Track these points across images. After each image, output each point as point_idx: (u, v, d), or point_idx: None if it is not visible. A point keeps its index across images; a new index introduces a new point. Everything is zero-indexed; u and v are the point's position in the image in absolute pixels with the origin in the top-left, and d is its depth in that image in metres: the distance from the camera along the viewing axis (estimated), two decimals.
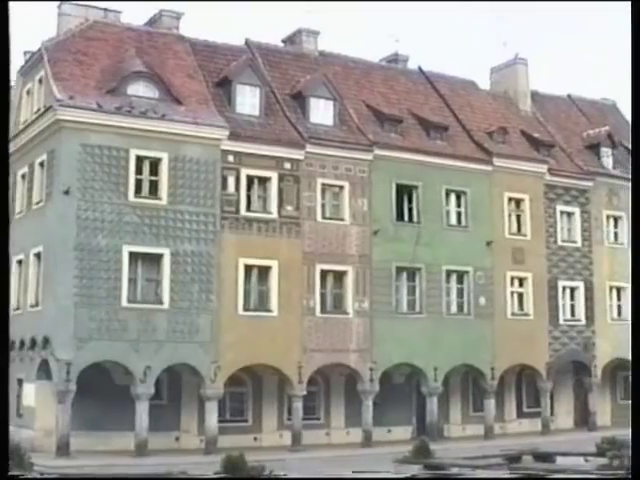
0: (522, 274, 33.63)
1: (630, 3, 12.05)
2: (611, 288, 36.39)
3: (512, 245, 33.46)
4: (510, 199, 33.87)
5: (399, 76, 36.13)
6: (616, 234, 37.09)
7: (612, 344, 35.65)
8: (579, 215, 35.85)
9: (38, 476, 17.18)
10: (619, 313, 36.56)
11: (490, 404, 32.58)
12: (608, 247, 36.54)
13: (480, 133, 34.67)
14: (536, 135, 36.46)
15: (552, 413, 35.24)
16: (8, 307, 9.99)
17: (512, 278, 33.48)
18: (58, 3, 29.21)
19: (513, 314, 33.36)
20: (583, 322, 35.30)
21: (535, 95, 39.55)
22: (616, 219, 37.13)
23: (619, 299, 36.59)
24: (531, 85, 39.47)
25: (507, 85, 38.69)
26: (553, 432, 33.55)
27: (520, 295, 33.74)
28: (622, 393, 38.44)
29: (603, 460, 18.04)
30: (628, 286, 36.25)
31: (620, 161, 38.33)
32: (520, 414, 35.50)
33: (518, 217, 34.11)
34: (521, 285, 33.75)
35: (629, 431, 28.60)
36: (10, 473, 11.78)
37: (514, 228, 33.93)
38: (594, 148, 38.00)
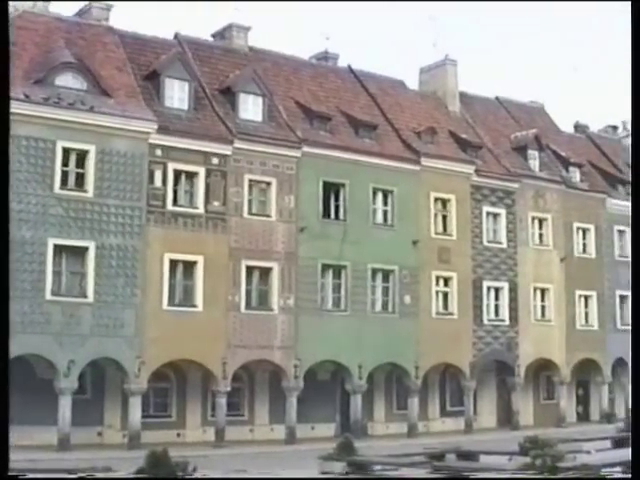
0: (447, 274, 35.68)
1: (630, 3, 12.46)
2: (535, 289, 38.76)
3: (438, 245, 35.49)
4: (437, 199, 35.91)
5: (329, 74, 38.06)
6: (541, 236, 39.48)
7: (535, 344, 38.17)
8: (505, 216, 38.07)
9: (38, 476, 17.86)
10: (543, 314, 39.00)
11: (414, 402, 34.50)
12: (533, 248, 38.90)
13: (408, 133, 36.66)
14: (464, 136, 38.66)
15: (475, 412, 37.47)
16: (8, 307, 10.54)
17: (437, 277, 35.46)
18: None
19: (438, 313, 35.34)
20: (507, 322, 37.49)
21: (464, 96, 41.87)
22: (541, 221, 39.53)
23: (543, 300, 39.05)
24: (460, 86, 41.75)
25: (436, 85, 40.91)
26: (476, 431, 35.59)
27: (445, 294, 35.77)
28: (545, 393, 41.13)
29: (526, 459, 18.21)
30: (552, 287, 38.90)
31: (546, 164, 40.86)
32: (444, 413, 37.69)
33: (444, 217, 36.14)
34: (446, 285, 35.78)
35: (551, 430, 30.64)
36: (10, 473, 12.22)
37: (440, 228, 35.96)
38: (521, 150, 40.37)
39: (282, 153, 31.82)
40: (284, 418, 31.40)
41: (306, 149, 32.32)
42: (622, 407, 42.01)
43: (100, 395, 29.45)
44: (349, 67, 39.31)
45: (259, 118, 32.11)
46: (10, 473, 11.87)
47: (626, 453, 21.57)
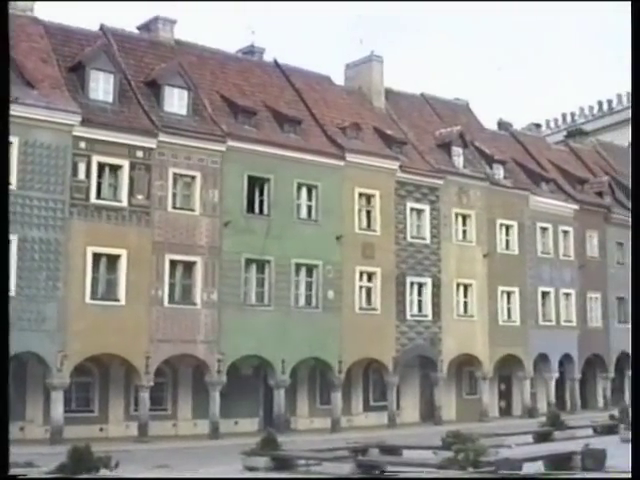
0: (371, 269, 37.55)
1: (630, 3, 13.05)
2: (458, 285, 40.99)
3: (362, 240, 37.34)
4: (361, 194, 37.76)
5: (254, 68, 39.69)
6: (464, 232, 41.72)
7: (458, 340, 40.38)
8: (429, 212, 40.17)
9: (38, 476, 17.98)
10: (465, 310, 41.26)
11: (337, 397, 36.24)
12: (456, 245, 41.10)
13: (333, 128, 38.46)
14: (389, 132, 40.66)
15: (398, 407, 39.54)
16: (7, 307, 11.12)
17: (361, 273, 37.28)
18: None
19: (361, 308, 37.15)
20: (430, 318, 39.59)
21: (389, 92, 44.02)
22: (465, 217, 41.77)
23: (466, 296, 41.31)
24: (385, 82, 43.85)
25: (362, 81, 42.92)
26: (399, 425, 37.52)
27: (368, 290, 37.59)
28: (467, 388, 43.46)
29: (448, 454, 19.27)
30: (475, 283, 41.20)
31: (470, 160, 43.16)
32: (367, 407, 39.60)
33: (368, 212, 38.00)
34: (370, 280, 37.62)
35: (474, 425, 32.77)
36: (10, 473, 12.73)
37: (364, 223, 37.80)
38: (445, 147, 42.60)
39: (207, 147, 33.21)
40: (207, 413, 32.80)
41: (231, 143, 33.79)
42: (544, 402, 44.70)
43: (22, 390, 30.26)
44: (275, 62, 41.01)
45: (184, 112, 33.49)
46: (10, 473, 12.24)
47: (547, 447, 23.78)
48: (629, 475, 12.83)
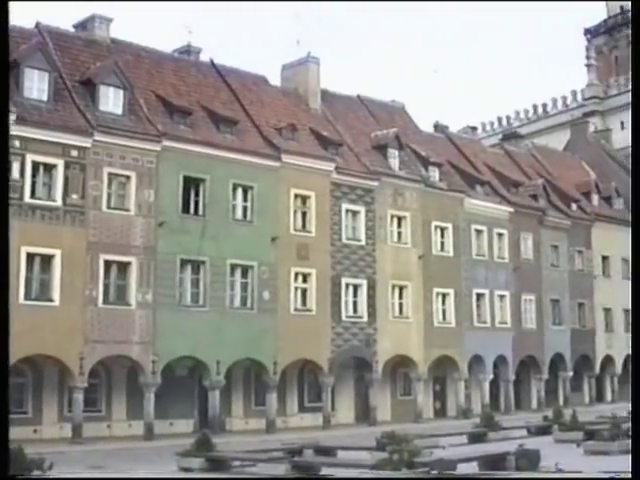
0: (306, 270, 38.77)
1: (630, 3, 14.58)
2: (393, 286, 42.42)
3: (297, 241, 38.55)
4: (297, 195, 38.97)
5: (190, 68, 40.70)
6: (400, 234, 43.19)
7: (393, 341, 41.80)
8: (364, 214, 41.52)
9: (39, 476, 18.24)
10: (401, 311, 42.70)
11: (272, 398, 37.31)
12: (391, 246, 42.54)
13: (269, 129, 39.60)
14: (325, 133, 41.97)
15: (333, 408, 40.74)
16: (7, 306, 11.41)
17: (296, 274, 38.44)
18: None
19: (296, 309, 38.29)
20: (365, 319, 40.92)
21: (325, 94, 45.38)
22: (400, 219, 43.23)
23: (401, 297, 42.77)
24: (322, 84, 45.25)
25: (298, 82, 44.18)
26: (334, 426, 38.76)
27: (304, 291, 38.76)
28: (402, 389, 44.97)
29: (383, 454, 19.63)
30: (410, 284, 42.69)
31: (406, 162, 44.69)
32: (302, 408, 40.81)
33: (304, 214, 39.20)
34: (305, 281, 38.81)
35: (409, 426, 33.96)
36: (10, 473, 13.08)
37: (299, 224, 38.99)
38: (381, 149, 44.06)
39: (142, 147, 34.03)
40: (142, 414, 33.54)
41: (166, 143, 34.66)
42: (478, 403, 46.40)
43: None
44: (211, 61, 42.04)
45: (119, 111, 34.28)
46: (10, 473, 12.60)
47: (482, 448, 25.04)
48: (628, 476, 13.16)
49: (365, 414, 41.78)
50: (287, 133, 39.80)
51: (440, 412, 46.71)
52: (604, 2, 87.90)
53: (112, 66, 35.01)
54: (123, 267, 33.41)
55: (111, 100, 34.22)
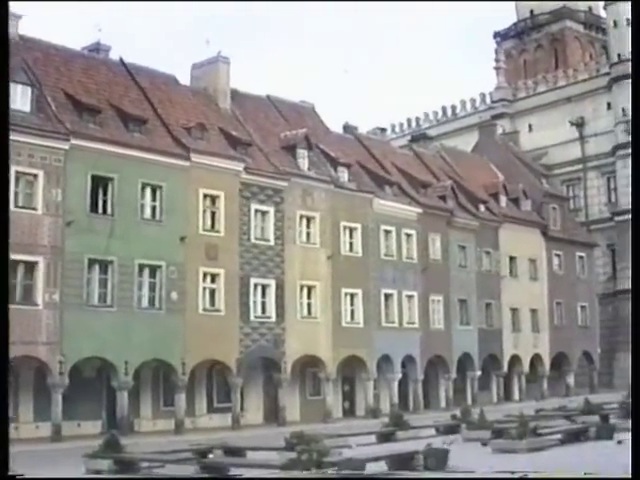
0: (215, 270, 39.70)
1: (630, 3, 14.96)
2: (302, 287, 43.66)
3: (206, 241, 39.44)
4: (206, 195, 39.84)
5: (100, 66, 41.34)
6: (309, 234, 44.45)
7: (301, 341, 43.02)
8: (273, 214, 42.63)
9: (38, 476, 18.86)
10: (309, 311, 43.96)
11: (181, 399, 38.15)
12: (300, 246, 43.78)
13: (179, 128, 40.43)
14: (234, 133, 42.99)
15: (242, 408, 41.61)
16: (7, 306, 11.63)
17: (205, 274, 39.31)
18: None
19: (205, 309, 39.16)
20: (273, 319, 42.02)
21: (235, 94, 46.50)
22: (309, 219, 44.51)
23: (309, 297, 44.01)
24: (232, 83, 46.33)
25: (208, 82, 45.27)
26: (243, 427, 39.70)
27: (212, 291, 39.66)
28: (311, 389, 46.25)
29: (292, 454, 19.97)
30: (318, 285, 44.04)
31: (315, 163, 46.06)
32: (211, 409, 41.78)
33: (213, 214, 40.09)
34: (213, 281, 39.72)
35: (318, 426, 34.89)
36: (10, 473, 13.39)
37: (208, 224, 39.85)
38: (291, 149, 45.29)
39: (50, 145, 34.55)
40: (49, 415, 34.02)
41: (74, 142, 35.23)
42: (387, 402, 47.96)
43: None
44: (121, 60, 42.69)
45: (27, 108, 34.62)
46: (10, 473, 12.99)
47: (390, 447, 26.18)
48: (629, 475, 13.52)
49: (274, 414, 42.83)
50: (196, 133, 40.67)
51: (349, 412, 48.08)
52: (514, 6, 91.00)
53: (20, 63, 35.31)
54: (30, 267, 33.76)
55: (19, 97, 34.35)
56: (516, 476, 18.65)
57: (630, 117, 70.18)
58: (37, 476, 19.42)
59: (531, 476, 18.85)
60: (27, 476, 17.94)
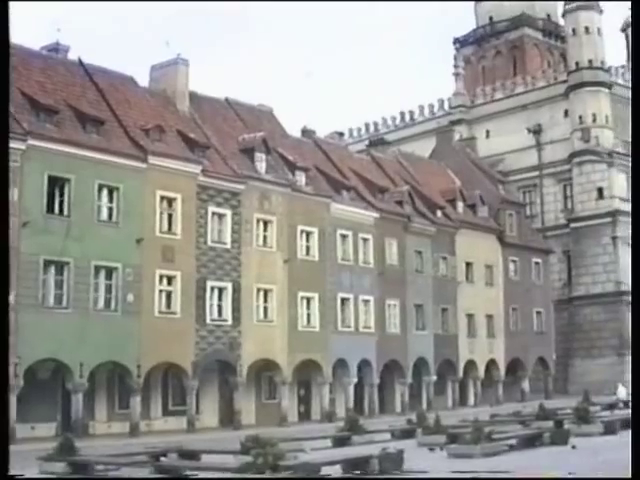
0: (171, 273, 40.14)
1: (630, 3, 15.30)
2: (258, 290, 44.17)
3: (162, 243, 39.86)
4: (163, 197, 40.25)
5: (58, 66, 41.56)
6: (265, 237, 44.97)
7: (257, 345, 43.56)
8: (230, 217, 43.12)
9: (38, 476, 19.18)
10: (265, 315, 44.48)
11: (136, 402, 38.47)
12: (257, 250, 44.29)
13: (136, 130, 40.78)
14: (192, 135, 43.41)
15: (198, 411, 42.16)
16: (7, 306, 11.82)
17: (161, 276, 39.74)
18: None
19: (161, 312, 39.55)
20: (230, 322, 42.49)
21: (193, 96, 46.95)
22: (266, 223, 45.04)
23: (266, 301, 44.55)
24: (190, 86, 46.78)
25: (166, 84, 45.68)
26: (198, 430, 40.07)
27: (168, 293, 40.06)
28: (267, 393, 46.77)
29: (247, 458, 19.97)
30: (275, 288, 44.59)
31: (273, 166, 46.62)
32: (166, 412, 42.15)
33: (170, 216, 40.53)
34: (170, 283, 40.14)
35: (273, 429, 35.27)
36: (10, 473, 13.24)
37: (165, 227, 40.28)
38: (248, 152, 45.81)
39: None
40: None
41: (31, 142, 35.41)
42: (342, 406, 48.62)
43: None
44: (79, 60, 42.90)
45: None
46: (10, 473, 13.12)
47: (346, 451, 26.67)
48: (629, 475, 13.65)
49: (230, 418, 43.25)
50: (154, 134, 41.08)
51: (305, 416, 48.62)
52: (473, 13, 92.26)
53: None
54: None
55: None
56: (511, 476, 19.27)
57: (585, 124, 71.84)
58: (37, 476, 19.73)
59: (531, 476, 19.44)
60: (27, 476, 18.36)
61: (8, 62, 11.83)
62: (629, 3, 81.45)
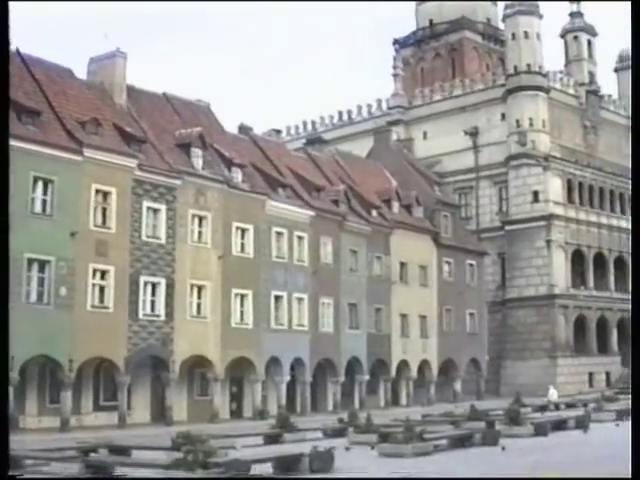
0: (105, 267, 40.57)
1: (630, 3, 13.95)
2: (192, 286, 44.72)
3: (96, 237, 40.30)
4: (98, 191, 40.68)
5: None
6: (200, 233, 45.54)
7: (190, 341, 44.10)
8: (165, 212, 43.64)
9: (38, 476, 19.15)
10: (199, 311, 45.04)
11: (67, 396, 38.84)
12: (191, 246, 44.88)
13: (73, 122, 41.13)
14: (128, 129, 43.84)
15: (129, 407, 42.59)
16: (7, 306, 12.20)
17: (94, 270, 40.14)
18: None
19: (93, 306, 39.95)
20: (163, 318, 43.02)
21: (131, 90, 47.39)
22: (201, 219, 45.60)
23: (199, 297, 45.08)
24: (128, 79, 47.25)
25: (104, 76, 46.11)
26: (130, 426, 40.51)
27: (102, 288, 40.47)
28: (199, 389, 47.32)
29: (178, 454, 20.08)
30: (209, 284, 45.17)
31: (209, 162, 47.20)
32: (97, 407, 42.57)
33: (104, 210, 40.95)
34: (103, 278, 40.56)
35: (205, 426, 35.57)
36: (10, 473, 13.41)
37: (99, 220, 40.70)
38: (185, 148, 46.36)
39: None
40: None
41: None
42: (274, 404, 49.31)
43: None
44: (17, 50, 42.90)
45: None
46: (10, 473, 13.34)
47: (277, 449, 27.18)
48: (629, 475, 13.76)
49: (161, 414, 43.75)
50: (90, 127, 41.46)
51: (236, 413, 49.26)
52: (414, 15, 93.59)
53: None
54: None
55: None
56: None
57: (522, 128, 73.49)
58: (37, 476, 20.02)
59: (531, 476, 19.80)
60: (27, 476, 18.68)
61: (8, 62, 12.02)
62: (568, 9, 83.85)
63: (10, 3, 11.96)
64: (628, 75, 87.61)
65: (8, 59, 11.99)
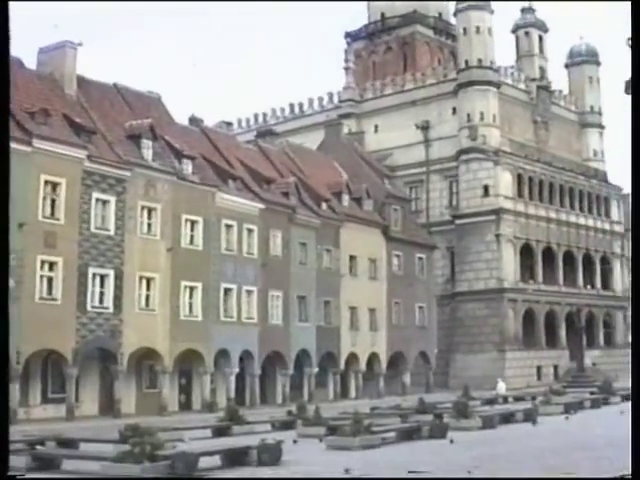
0: (53, 258, 40.58)
1: (630, 3, 13.67)
2: (141, 278, 44.90)
3: (45, 229, 40.28)
4: (47, 182, 40.65)
5: None
6: (149, 225, 45.71)
7: (138, 333, 44.28)
8: (114, 204, 43.72)
9: (38, 476, 19.18)
10: (147, 303, 45.22)
11: (14, 389, 38.06)
12: (140, 237, 45.01)
13: (22, 113, 40.93)
14: (78, 120, 43.83)
15: (77, 399, 42.65)
16: (7, 306, 12.16)
17: (42, 262, 40.16)
18: None
19: (41, 298, 39.92)
20: (111, 310, 43.12)
21: (81, 80, 47.34)
22: (151, 210, 45.72)
23: (148, 289, 45.28)
24: (79, 70, 47.23)
25: (54, 67, 45.97)
26: (78, 418, 40.60)
27: (50, 279, 40.51)
28: (147, 382, 47.47)
29: (125, 447, 20.35)
30: (157, 276, 45.38)
31: (160, 154, 47.36)
32: (45, 399, 42.50)
33: (53, 201, 40.98)
34: (51, 269, 40.60)
35: (153, 419, 35.96)
36: (10, 473, 13.43)
37: (48, 211, 40.71)
38: (135, 139, 46.48)
39: None
40: None
41: None
42: (223, 397, 49.69)
43: None
44: None
45: None
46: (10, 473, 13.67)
47: (225, 442, 27.48)
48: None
49: (110, 406, 43.85)
50: (40, 118, 41.41)
51: (185, 405, 49.45)
52: (365, 8, 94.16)
53: None
54: None
55: None
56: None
57: (473, 122, 74.36)
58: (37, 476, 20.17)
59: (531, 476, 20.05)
60: (27, 476, 18.79)
61: (8, 62, 12.14)
62: (519, 5, 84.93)
63: (10, 3, 12.16)
64: (579, 71, 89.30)
65: (8, 59, 12.17)
